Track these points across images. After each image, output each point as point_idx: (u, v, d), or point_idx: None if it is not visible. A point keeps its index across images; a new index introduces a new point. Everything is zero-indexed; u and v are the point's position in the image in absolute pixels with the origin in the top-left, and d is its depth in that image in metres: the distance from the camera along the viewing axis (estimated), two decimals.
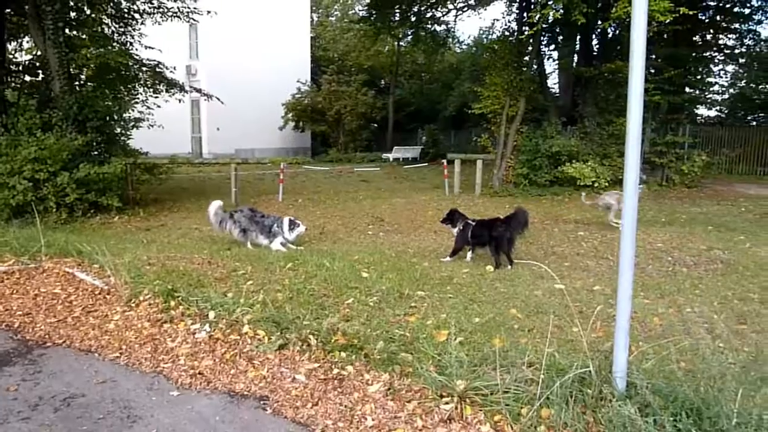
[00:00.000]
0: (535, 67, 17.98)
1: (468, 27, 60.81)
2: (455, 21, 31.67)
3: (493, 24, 36.24)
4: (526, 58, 17.43)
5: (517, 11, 17.72)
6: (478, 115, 17.86)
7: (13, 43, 15.84)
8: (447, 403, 3.09)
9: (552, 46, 21.86)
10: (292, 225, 8.40)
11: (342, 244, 8.90)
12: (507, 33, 18.20)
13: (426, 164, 22.92)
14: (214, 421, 3.11)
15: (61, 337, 4.39)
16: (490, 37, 32.77)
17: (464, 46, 38.19)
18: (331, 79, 31.21)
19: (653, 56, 16.27)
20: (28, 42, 15.98)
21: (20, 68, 15.48)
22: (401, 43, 32.51)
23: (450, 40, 28.17)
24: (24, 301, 5.26)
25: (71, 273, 5.97)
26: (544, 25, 15.22)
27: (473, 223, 7.49)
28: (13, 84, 14.08)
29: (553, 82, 25.55)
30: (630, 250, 2.85)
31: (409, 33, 24.07)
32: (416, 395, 3.23)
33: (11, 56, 15.40)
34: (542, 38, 18.08)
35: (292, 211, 13.10)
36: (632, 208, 2.84)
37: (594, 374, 2.98)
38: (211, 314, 4.41)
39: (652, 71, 15.94)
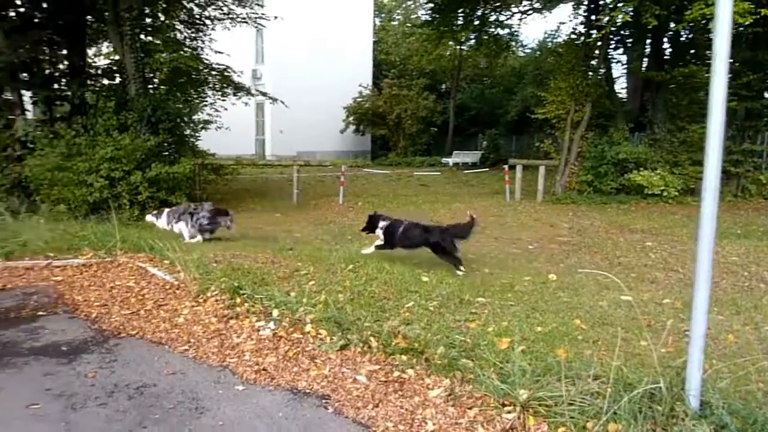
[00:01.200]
0: (602, 71, 17.47)
1: (532, 30, 59.79)
2: (519, 24, 31.18)
3: (558, 27, 35.49)
4: (594, 61, 16.98)
5: (585, 14, 17.29)
6: (540, 120, 17.58)
7: (93, 49, 16.76)
8: (509, 412, 3.04)
9: (620, 50, 21.17)
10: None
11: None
12: (573, 36, 17.75)
13: (486, 169, 22.67)
14: (277, 417, 3.18)
15: (135, 329, 4.60)
16: (555, 40, 32.08)
17: (527, 50, 37.57)
18: (392, 83, 31.39)
19: (731, 60, 15.48)
20: (106, 47, 16.88)
21: (99, 72, 16.36)
22: (463, 47, 32.29)
23: (513, 43, 27.81)
24: (101, 293, 5.55)
25: (144, 268, 6.27)
26: (612, 28, 14.79)
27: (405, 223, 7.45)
28: (92, 87, 14.87)
29: (620, 86, 24.77)
30: (707, 262, 2.72)
31: (472, 37, 23.87)
32: (477, 402, 3.19)
33: (91, 61, 16.29)
34: (610, 41, 17.55)
35: (352, 213, 13.27)
36: (711, 219, 2.71)
37: (665, 391, 2.87)
38: (275, 312, 4.51)
39: (729, 75, 15.16)
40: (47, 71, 13.54)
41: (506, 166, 16.37)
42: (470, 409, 3.14)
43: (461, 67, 35.40)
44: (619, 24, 13.72)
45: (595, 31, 13.47)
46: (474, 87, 38.41)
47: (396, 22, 44.66)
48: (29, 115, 13.66)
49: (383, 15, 44.89)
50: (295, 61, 28.89)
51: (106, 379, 3.68)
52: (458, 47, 32.81)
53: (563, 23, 44.05)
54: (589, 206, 14.24)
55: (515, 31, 23.77)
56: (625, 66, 23.96)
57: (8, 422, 3.10)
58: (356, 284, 5.31)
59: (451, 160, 28.70)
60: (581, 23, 17.56)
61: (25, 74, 12.95)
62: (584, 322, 4.72)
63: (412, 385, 3.43)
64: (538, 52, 35.15)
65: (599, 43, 16.03)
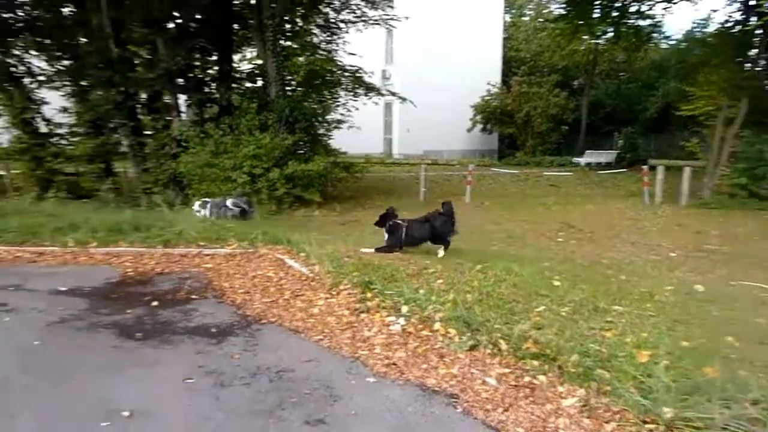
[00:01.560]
0: (763, 62, 15.73)
1: (677, 20, 55.11)
2: (663, 14, 28.82)
3: (709, 15, 32.33)
4: (752, 52, 15.33)
5: None
6: (685, 117, 16.21)
7: (238, 55, 18.08)
8: (651, 430, 2.86)
9: None
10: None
11: (530, 250, 8.69)
12: (728, 24, 16.13)
13: (622, 170, 21.37)
14: (407, 411, 3.24)
15: (274, 316, 4.90)
16: (705, 30, 29.39)
17: (671, 42, 34.77)
18: (521, 81, 30.59)
19: None
20: (250, 53, 18.14)
21: (243, 76, 17.63)
22: (600, 41, 30.61)
23: (656, 35, 25.86)
24: (244, 281, 5.98)
25: (282, 259, 6.67)
26: None
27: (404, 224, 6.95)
28: (237, 90, 16.04)
29: None
30: None
31: (610, 30, 22.52)
32: (615, 416, 3.03)
33: (236, 66, 17.57)
34: None
35: (478, 213, 13.13)
36: None
37: None
38: (404, 308, 4.59)
39: None
40: (199, 76, 14.85)
41: (645, 167, 15.31)
42: (607, 422, 2.99)
43: (596, 62, 33.64)
44: None
45: (755, 18, 12.14)
46: (609, 82, 36.31)
47: (527, 18, 43.41)
48: (183, 117, 15.09)
49: (513, 11, 43.82)
50: (423, 60, 29.09)
51: (250, 361, 3.96)
52: (594, 41, 31.18)
53: (715, 11, 39.89)
54: (743, 212, 12.90)
55: (658, 22, 22.07)
56: None
57: (169, 392, 3.46)
58: (485, 285, 5.25)
59: (583, 160, 27.39)
60: (738, 10, 15.93)
61: (180, 79, 14.29)
62: (738, 340, 4.28)
63: (544, 392, 3.34)
64: (684, 44, 32.41)
65: (759, 31, 14.43)
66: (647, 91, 31.27)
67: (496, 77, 33.36)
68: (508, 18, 41.61)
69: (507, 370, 3.60)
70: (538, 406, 3.20)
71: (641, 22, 21.20)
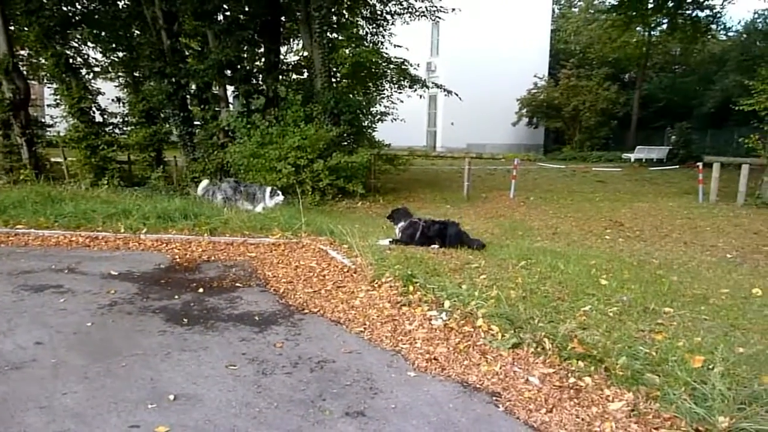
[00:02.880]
0: None
1: (738, 10, 52.70)
2: (723, 4, 27.59)
3: None
4: None
5: None
6: (745, 112, 15.49)
7: (285, 47, 18.26)
8: None
9: None
10: (273, 193, 9.60)
11: (576, 247, 8.49)
12: None
13: (675, 167, 20.64)
14: (447, 407, 3.20)
15: (316, 307, 4.93)
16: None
17: (731, 33, 33.26)
18: (570, 74, 29.84)
19: None
20: (296, 45, 18.30)
21: (290, 68, 17.80)
22: (654, 33, 29.58)
23: (714, 26, 24.84)
24: (287, 271, 6.05)
25: (324, 250, 6.71)
26: None
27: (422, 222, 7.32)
28: (284, 82, 16.21)
29: None
30: None
31: (665, 21, 21.76)
32: (665, 423, 2.91)
33: (283, 57, 17.75)
34: None
35: (523, 208, 12.92)
36: None
37: None
38: (447, 303, 4.55)
39: None
40: (247, 68, 15.06)
41: (700, 164, 14.73)
42: (657, 429, 2.88)
43: (649, 55, 32.49)
44: None
45: None
46: (663, 76, 35.05)
47: (576, 9, 42.34)
48: (231, 108, 15.35)
49: (563, 2, 42.82)
50: (468, 52, 28.71)
51: (292, 351, 4.00)
52: (647, 33, 30.16)
53: None
54: None
55: (717, 12, 21.16)
56: None
57: (213, 378, 3.52)
58: (529, 282, 5.16)
59: (633, 156, 26.55)
60: None
61: (229, 71, 14.53)
62: None
63: (590, 395, 3.24)
64: (745, 35, 30.97)
65: None
66: (704, 85, 30.03)
67: (544, 70, 32.68)
68: (556, 9, 40.69)
69: (551, 370, 3.51)
70: (583, 409, 3.11)
71: (699, 13, 20.39)
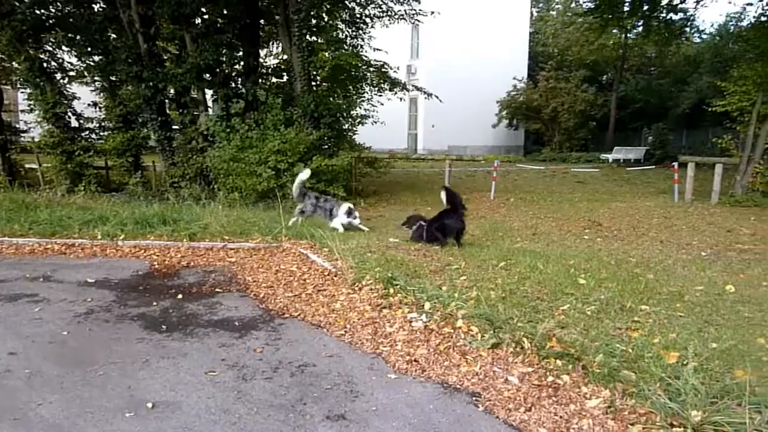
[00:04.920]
0: None
1: (711, 14, 53.75)
2: (696, 8, 28.08)
3: (744, 9, 31.44)
4: None
5: None
6: (719, 113, 15.82)
7: (264, 50, 18.19)
8: None
9: None
10: (350, 213, 9.36)
11: (555, 247, 8.55)
12: (764, 18, 15.67)
13: (651, 167, 20.96)
14: (428, 409, 3.21)
15: (297, 311, 4.92)
16: (740, 24, 28.60)
17: (705, 36, 33.92)
18: (548, 76, 30.20)
19: None
20: (276, 48, 18.24)
21: (269, 71, 17.74)
22: (630, 35, 30.03)
23: (688, 29, 25.22)
24: (267, 275, 6.02)
25: (305, 254, 6.70)
26: None
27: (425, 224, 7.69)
28: (263, 85, 16.14)
29: None
30: None
31: (640, 23, 22.08)
32: (641, 419, 2.96)
33: (262, 61, 17.69)
34: None
35: (503, 209, 13.01)
36: None
37: None
38: (427, 305, 4.57)
39: None
40: (226, 71, 14.97)
41: (675, 164, 14.99)
42: (632, 425, 2.92)
43: (626, 57, 33.03)
44: None
45: None
46: (640, 78, 35.61)
47: (554, 12, 42.82)
48: (210, 112, 15.24)
49: (541, 5, 43.30)
50: (448, 55, 28.90)
51: (272, 356, 3.98)
52: (624, 35, 30.62)
53: (750, 4, 38.78)
54: None
55: (691, 16, 21.52)
56: None
57: (192, 385, 3.49)
58: (508, 282, 5.19)
59: (611, 156, 26.96)
60: None
61: (208, 75, 14.43)
62: None
63: (568, 392, 3.28)
64: (718, 38, 31.61)
65: None
66: (679, 87, 30.60)
67: (523, 72, 33.01)
68: (535, 12, 41.11)
69: (530, 369, 3.55)
70: (562, 407, 3.15)
71: (673, 16, 20.72)
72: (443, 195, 7.88)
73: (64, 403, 3.24)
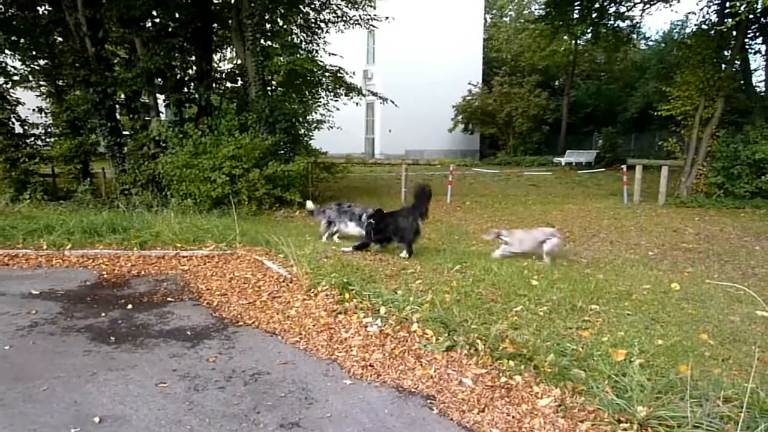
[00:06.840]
0: (738, 62, 15.97)
1: (656, 22, 56.00)
2: (641, 15, 29.26)
3: (686, 17, 32.89)
4: (727, 52, 15.55)
5: (718, 1, 15.87)
6: (664, 117, 16.40)
7: (218, 55, 17.91)
8: (625, 429, 2.87)
9: (760, 39, 19.22)
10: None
11: None
12: (705, 26, 16.36)
13: (602, 170, 21.60)
14: (383, 413, 3.22)
15: (251, 318, 4.86)
16: (683, 31, 29.84)
17: (651, 43, 35.29)
18: (502, 81, 30.74)
19: None
20: (230, 53, 17.99)
21: (223, 76, 17.46)
22: (579, 42, 30.93)
23: (634, 36, 26.24)
24: (221, 283, 5.92)
25: (260, 261, 6.61)
26: (750, 15, 13.47)
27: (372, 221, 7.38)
28: (217, 90, 15.89)
29: (759, 79, 22.45)
30: None
31: (589, 30, 22.75)
32: (590, 416, 3.04)
33: (216, 66, 17.41)
34: (748, 30, 15.99)
35: (459, 212, 13.16)
36: None
37: None
38: (382, 310, 4.58)
39: None
40: (178, 76, 14.65)
41: (624, 167, 15.48)
42: (582, 422, 2.99)
43: (576, 63, 33.99)
44: (758, 10, 12.45)
45: (729, 19, 12.30)
46: (590, 83, 36.76)
47: (508, 19, 43.70)
48: (162, 117, 14.89)
49: (494, 12, 44.08)
50: (404, 60, 29.07)
51: (225, 365, 3.91)
52: (574, 42, 31.52)
53: (692, 13, 40.44)
54: (719, 211, 13.11)
55: (637, 23, 22.42)
56: (766, 57, 21.73)
57: (142, 397, 3.39)
58: (463, 285, 5.25)
59: (563, 160, 27.63)
60: (714, 11, 16.18)
61: (159, 79, 14.10)
62: (712, 338, 4.35)
63: (520, 393, 3.34)
64: (663, 45, 32.90)
65: (734, 32, 14.66)
66: (627, 92, 31.67)
67: (478, 77, 33.53)
68: (488, 18, 41.85)
69: (483, 371, 3.60)
70: (514, 407, 3.20)
71: (620, 23, 21.45)
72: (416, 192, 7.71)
73: (5, 420, 3.11)
